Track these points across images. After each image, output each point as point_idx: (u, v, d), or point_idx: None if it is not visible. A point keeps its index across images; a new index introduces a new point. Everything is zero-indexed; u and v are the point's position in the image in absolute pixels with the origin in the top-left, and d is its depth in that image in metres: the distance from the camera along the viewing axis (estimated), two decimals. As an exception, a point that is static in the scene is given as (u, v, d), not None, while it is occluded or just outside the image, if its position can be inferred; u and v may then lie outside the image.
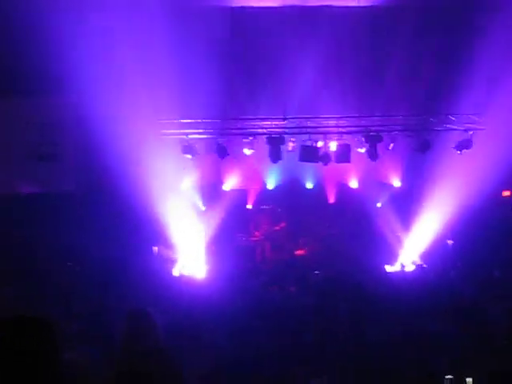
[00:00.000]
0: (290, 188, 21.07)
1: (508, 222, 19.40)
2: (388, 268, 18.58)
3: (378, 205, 21.61)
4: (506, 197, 20.24)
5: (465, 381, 8.05)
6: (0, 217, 16.51)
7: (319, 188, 21.57)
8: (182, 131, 17.12)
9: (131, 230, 18.00)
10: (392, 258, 19.14)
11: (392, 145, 17.66)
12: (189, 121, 16.86)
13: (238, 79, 16.95)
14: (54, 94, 13.80)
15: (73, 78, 14.61)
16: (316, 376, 8.54)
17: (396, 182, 21.27)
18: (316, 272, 17.54)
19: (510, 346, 9.67)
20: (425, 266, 17.95)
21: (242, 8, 16.11)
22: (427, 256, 19.11)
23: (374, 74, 16.58)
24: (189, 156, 17.37)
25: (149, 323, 5.04)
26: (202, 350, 9.66)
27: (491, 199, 18.91)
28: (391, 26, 15.97)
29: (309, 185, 21.56)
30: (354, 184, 21.50)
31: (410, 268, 18.24)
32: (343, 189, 21.45)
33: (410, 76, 15.99)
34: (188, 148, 17.12)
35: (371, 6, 16.07)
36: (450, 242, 18.46)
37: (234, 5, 16.04)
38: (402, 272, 17.26)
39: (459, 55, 15.60)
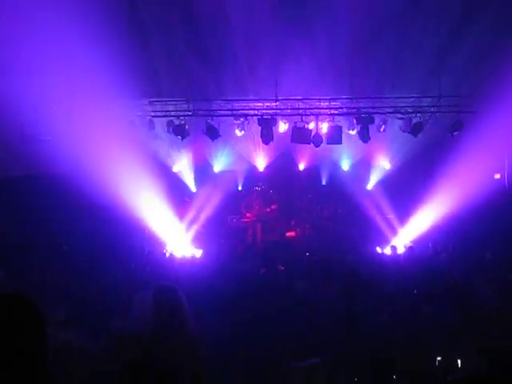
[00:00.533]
0: (282, 169, 21.03)
1: (499, 205, 19.43)
2: (379, 250, 18.62)
3: (369, 187, 21.64)
4: (497, 179, 20.26)
5: (456, 361, 8.08)
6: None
7: (311, 170, 21.56)
8: (172, 112, 17.00)
9: (119, 211, 17.95)
10: (383, 240, 19.17)
11: (383, 127, 17.61)
12: (179, 100, 16.73)
13: (229, 60, 16.84)
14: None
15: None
16: (307, 357, 8.53)
17: (387, 165, 21.27)
18: (306, 254, 17.57)
19: (499, 326, 9.71)
20: (412, 245, 18.00)
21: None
22: (418, 239, 19.17)
23: (366, 55, 16.47)
24: (179, 137, 17.26)
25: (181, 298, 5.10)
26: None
27: (483, 182, 18.92)
28: (380, 6, 15.88)
29: (301, 166, 21.55)
30: (345, 166, 21.50)
31: (401, 250, 18.27)
32: (335, 170, 21.44)
33: (402, 56, 15.89)
34: (178, 129, 17.01)
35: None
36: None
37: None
38: (393, 254, 17.27)
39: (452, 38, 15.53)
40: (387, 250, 17.91)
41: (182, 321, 4.93)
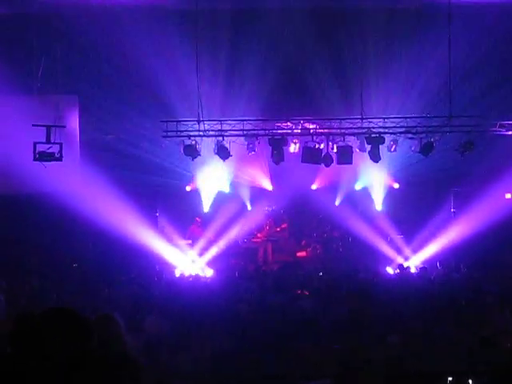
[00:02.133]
0: (293, 190, 21.03)
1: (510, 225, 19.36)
2: (390, 270, 18.55)
3: (378, 207, 21.56)
4: (508, 199, 20.20)
5: (467, 381, 8.01)
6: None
7: (322, 190, 21.55)
8: (183, 132, 17.06)
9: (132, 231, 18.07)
10: (394, 261, 19.11)
11: (394, 146, 17.58)
12: (190, 120, 16.80)
13: (242, 80, 16.99)
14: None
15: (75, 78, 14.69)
16: (315, 378, 8.49)
17: (396, 184, 21.24)
18: (320, 274, 17.53)
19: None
20: (425, 266, 17.92)
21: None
22: (429, 259, 19.09)
23: (377, 75, 16.56)
24: (190, 157, 17.31)
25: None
26: (204, 348, 9.64)
27: (495, 202, 18.87)
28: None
29: (313, 186, 21.55)
30: (356, 186, 21.47)
31: (412, 270, 18.20)
32: (345, 191, 21.42)
33: (414, 77, 15.98)
34: (189, 149, 17.04)
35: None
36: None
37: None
38: (405, 274, 17.19)
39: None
40: (398, 270, 17.82)
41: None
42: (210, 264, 19.13)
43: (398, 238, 20.26)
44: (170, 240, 19.62)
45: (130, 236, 18.02)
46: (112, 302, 12.38)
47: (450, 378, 8.41)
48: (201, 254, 19.76)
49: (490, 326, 10.75)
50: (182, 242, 19.96)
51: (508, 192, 19.97)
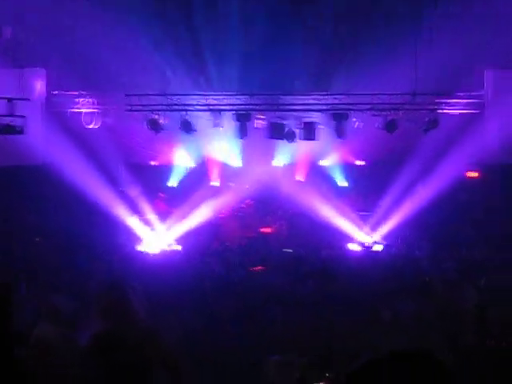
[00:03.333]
0: (258, 166, 21.00)
1: (472, 203, 19.61)
2: (352, 247, 18.68)
3: (344, 184, 21.70)
4: (471, 178, 20.41)
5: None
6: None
7: (287, 166, 21.55)
8: (147, 106, 16.90)
9: (95, 204, 17.91)
10: (357, 238, 19.24)
11: (357, 123, 17.66)
12: (155, 95, 16.65)
13: (205, 54, 16.83)
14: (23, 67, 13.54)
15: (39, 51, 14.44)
16: (282, 352, 8.53)
17: (360, 161, 21.35)
18: (287, 250, 17.59)
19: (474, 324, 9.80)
20: (388, 243, 18.09)
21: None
22: (391, 236, 19.26)
23: (343, 51, 16.54)
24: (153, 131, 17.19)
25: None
26: (166, 324, 9.61)
27: (456, 180, 19.07)
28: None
29: (276, 162, 21.53)
30: (321, 162, 21.52)
31: (375, 247, 18.35)
32: (310, 167, 21.45)
33: (379, 53, 15.97)
34: (153, 123, 16.91)
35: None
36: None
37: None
38: (367, 251, 17.35)
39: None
40: (361, 247, 17.97)
41: (134, 318, 4.82)
42: (175, 240, 19.03)
43: (362, 215, 20.39)
44: (134, 214, 19.48)
45: (95, 209, 17.89)
46: (74, 278, 12.26)
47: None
48: (165, 230, 19.67)
49: (452, 302, 10.91)
50: (145, 218, 19.82)
51: (470, 170, 20.20)
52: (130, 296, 4.88)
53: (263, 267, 13.20)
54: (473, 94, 17.23)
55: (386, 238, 19.11)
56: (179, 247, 18.36)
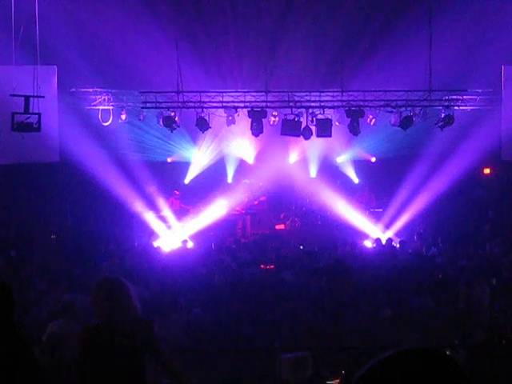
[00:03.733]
0: (272, 162, 21.04)
1: (487, 199, 19.55)
2: (366, 243, 18.69)
3: (356, 180, 21.75)
4: (486, 174, 20.35)
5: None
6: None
7: (300, 163, 21.59)
8: (162, 103, 16.97)
9: (112, 201, 18.06)
10: (372, 234, 19.24)
11: (374, 120, 17.63)
12: (169, 92, 16.70)
13: (220, 52, 16.87)
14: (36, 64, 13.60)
15: (55, 48, 14.53)
16: (294, 349, 8.57)
17: (374, 158, 21.37)
18: (300, 247, 17.65)
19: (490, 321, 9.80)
20: (403, 240, 18.07)
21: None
22: (406, 232, 19.25)
23: (358, 48, 16.51)
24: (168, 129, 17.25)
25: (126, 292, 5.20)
26: (179, 318, 9.69)
27: (472, 176, 19.02)
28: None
29: (291, 159, 21.58)
30: (335, 159, 21.56)
31: (389, 244, 18.34)
32: (324, 164, 21.47)
33: (392, 51, 15.93)
34: (168, 120, 16.96)
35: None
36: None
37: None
38: (382, 248, 17.33)
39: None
40: (374, 244, 17.96)
41: (133, 310, 5.15)
42: (189, 236, 19.14)
43: (376, 212, 20.39)
44: (150, 211, 19.66)
45: (111, 205, 18.06)
46: (90, 275, 12.37)
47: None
48: (180, 227, 19.80)
49: (465, 299, 10.92)
50: (161, 214, 19.95)
51: (485, 166, 20.14)
52: (126, 291, 5.15)
53: (274, 266, 13.23)
54: (487, 90, 17.16)
55: (400, 234, 19.12)
56: (193, 244, 18.46)
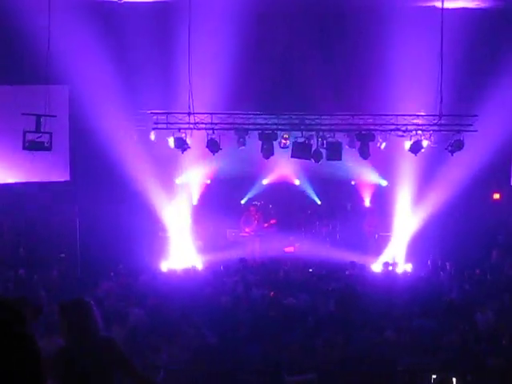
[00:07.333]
0: (281, 184, 21.06)
1: (497, 225, 19.46)
2: (377, 267, 18.61)
3: (367, 204, 21.72)
4: (496, 199, 20.28)
5: (451, 380, 8.08)
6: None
7: (309, 185, 21.59)
8: (173, 125, 17.01)
9: (120, 223, 18.07)
10: (379, 258, 19.19)
11: (384, 144, 17.64)
12: (180, 113, 16.75)
13: (230, 73, 16.95)
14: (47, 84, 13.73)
15: (66, 68, 14.68)
16: (302, 372, 8.53)
17: (384, 182, 21.33)
18: (310, 270, 17.59)
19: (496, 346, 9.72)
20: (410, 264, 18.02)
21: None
22: (415, 256, 19.18)
23: (368, 72, 16.59)
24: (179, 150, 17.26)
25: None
26: (184, 339, 9.66)
27: (481, 201, 18.97)
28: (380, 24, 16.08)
29: (300, 182, 21.59)
30: (346, 182, 21.54)
31: (399, 268, 18.28)
32: (334, 187, 21.45)
33: (404, 76, 16.00)
34: (179, 141, 16.99)
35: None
36: None
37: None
38: (391, 271, 17.28)
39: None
40: (384, 267, 17.88)
41: (95, 330, 5.18)
42: (196, 257, 19.13)
43: (385, 235, 20.34)
44: (158, 232, 19.69)
45: (120, 228, 18.05)
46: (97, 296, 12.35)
47: (434, 376, 8.48)
48: (187, 248, 19.81)
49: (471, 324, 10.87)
50: (168, 235, 19.97)
51: (495, 192, 20.08)
52: (87, 311, 5.18)
53: (275, 293, 13.12)
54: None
55: (409, 258, 19.06)
56: (200, 265, 18.45)
